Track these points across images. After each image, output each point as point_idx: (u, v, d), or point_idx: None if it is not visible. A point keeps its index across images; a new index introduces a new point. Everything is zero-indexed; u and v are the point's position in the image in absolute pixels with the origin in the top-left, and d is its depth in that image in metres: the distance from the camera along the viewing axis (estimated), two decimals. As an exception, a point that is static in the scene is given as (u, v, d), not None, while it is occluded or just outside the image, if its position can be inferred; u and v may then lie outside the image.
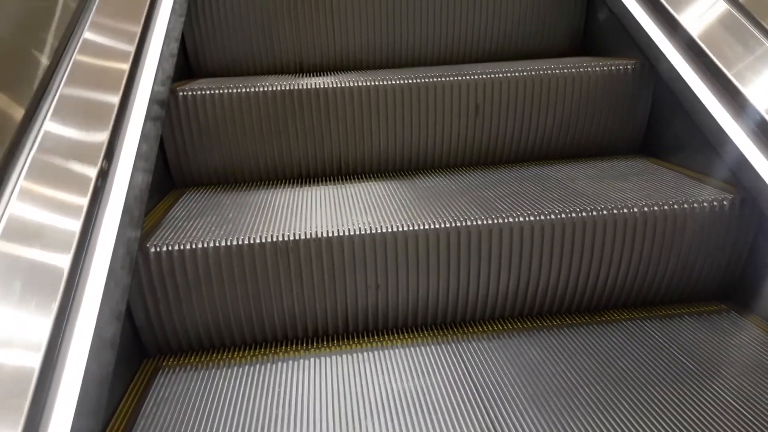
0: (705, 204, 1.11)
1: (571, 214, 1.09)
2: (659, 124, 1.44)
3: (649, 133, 1.48)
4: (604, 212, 1.09)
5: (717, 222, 1.12)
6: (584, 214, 1.09)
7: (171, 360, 1.08)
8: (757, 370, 0.97)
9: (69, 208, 0.86)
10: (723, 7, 1.29)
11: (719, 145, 1.17)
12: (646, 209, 1.10)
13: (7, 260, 0.74)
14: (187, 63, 1.72)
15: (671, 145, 1.40)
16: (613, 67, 1.43)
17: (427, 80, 1.39)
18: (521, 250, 1.10)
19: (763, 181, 1.07)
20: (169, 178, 1.42)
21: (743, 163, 1.11)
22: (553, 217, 1.09)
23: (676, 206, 1.11)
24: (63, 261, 0.79)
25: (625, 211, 1.10)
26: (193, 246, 1.02)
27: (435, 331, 1.13)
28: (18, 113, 0.89)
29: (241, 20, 1.68)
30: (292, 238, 1.04)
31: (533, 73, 1.41)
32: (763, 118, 1.10)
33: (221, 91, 1.35)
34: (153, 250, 1.02)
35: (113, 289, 0.86)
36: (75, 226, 0.84)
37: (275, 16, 1.69)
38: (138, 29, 1.26)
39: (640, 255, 1.12)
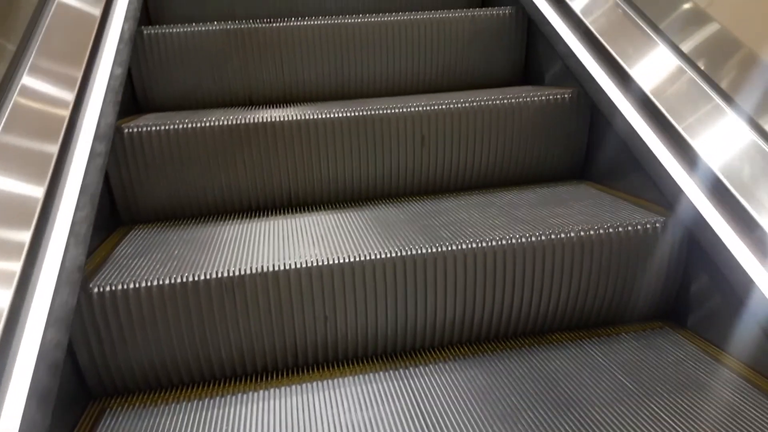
0: (638, 227, 1.16)
1: (511, 241, 1.13)
2: (597, 149, 1.50)
3: (588, 159, 1.54)
4: (543, 238, 1.13)
5: (651, 243, 1.17)
6: (524, 240, 1.13)
7: (117, 401, 1.06)
8: (692, 387, 1.01)
9: (9, 246, 0.85)
10: (651, 40, 1.36)
11: (651, 168, 1.23)
12: (582, 234, 1.14)
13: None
14: (134, 97, 1.71)
15: (609, 169, 1.46)
16: (550, 96, 1.49)
17: (373, 113, 1.42)
18: (465, 276, 1.13)
19: (691, 203, 1.13)
20: (115, 214, 1.40)
21: (673, 185, 1.16)
22: (494, 243, 1.12)
23: (611, 230, 1.15)
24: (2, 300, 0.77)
25: (563, 236, 1.14)
26: (137, 285, 1.01)
27: (384, 361, 1.14)
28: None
29: (189, 54, 1.69)
30: (237, 273, 1.04)
31: (475, 104, 1.45)
32: (686, 141, 1.16)
33: (166, 127, 1.35)
34: (96, 290, 1.00)
35: (54, 329, 0.85)
36: (15, 266, 0.83)
37: (223, 50, 1.70)
38: (80, 72, 1.26)
39: (579, 278, 1.16)
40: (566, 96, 1.49)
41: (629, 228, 1.16)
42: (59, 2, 1.33)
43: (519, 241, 1.13)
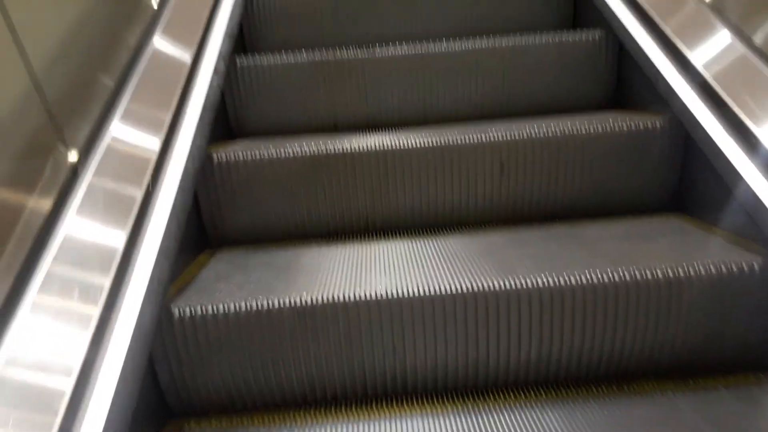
0: (734, 267, 1.07)
1: (592, 278, 1.07)
2: (690, 181, 1.40)
3: (680, 191, 1.44)
4: (627, 276, 1.07)
5: (748, 285, 1.07)
6: (606, 277, 1.07)
7: (194, 422, 1.10)
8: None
9: (100, 260, 0.92)
10: (756, 66, 1.26)
11: (750, 205, 1.13)
12: (671, 273, 1.07)
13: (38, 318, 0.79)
14: (227, 122, 1.80)
15: (702, 203, 1.35)
16: (640, 123, 1.41)
17: (450, 141, 1.41)
18: (541, 315, 1.08)
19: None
20: (204, 236, 1.48)
21: (775, 224, 1.06)
22: (574, 281, 1.07)
23: (703, 269, 1.07)
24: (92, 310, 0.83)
25: (649, 274, 1.07)
26: (215, 309, 1.05)
27: (454, 398, 1.11)
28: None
29: (278, 83, 1.76)
30: (309, 302, 1.06)
31: (558, 131, 1.41)
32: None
33: (253, 155, 1.41)
34: (177, 312, 1.06)
35: (136, 345, 0.90)
36: (104, 281, 0.90)
37: (310, 79, 1.76)
38: (175, 98, 1.35)
39: (667, 321, 1.08)
40: (657, 123, 1.41)
41: (723, 268, 1.07)
42: (155, 50, 1.43)
43: (601, 278, 1.07)
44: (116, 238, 0.99)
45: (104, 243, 0.97)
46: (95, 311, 0.87)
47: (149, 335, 0.97)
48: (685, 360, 1.13)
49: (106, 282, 0.91)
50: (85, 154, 1.06)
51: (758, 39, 1.32)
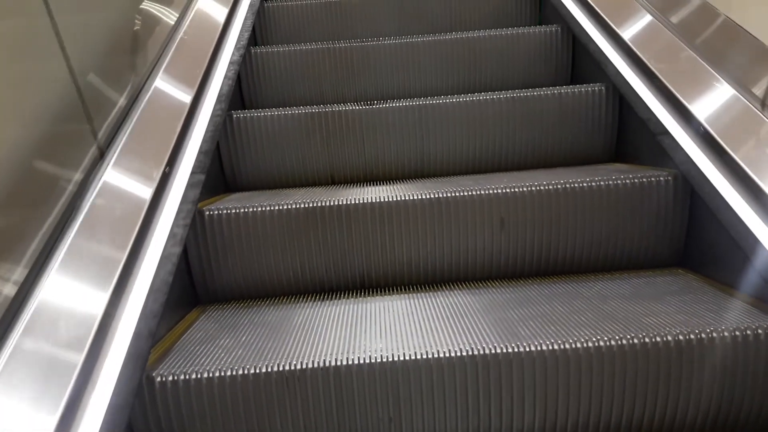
0: (748, 332, 1.01)
1: (599, 343, 1.01)
2: (697, 237, 1.36)
3: (687, 246, 1.40)
4: (636, 341, 1.01)
5: (765, 352, 1.01)
6: (614, 342, 1.01)
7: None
8: None
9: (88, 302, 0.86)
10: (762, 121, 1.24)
11: (762, 264, 1.08)
12: (681, 338, 1.01)
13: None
14: (222, 174, 1.78)
15: (711, 259, 1.31)
16: (644, 179, 1.38)
17: (449, 195, 1.37)
18: (546, 381, 1.02)
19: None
20: (194, 293, 1.42)
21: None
22: (579, 345, 1.01)
23: (715, 335, 1.01)
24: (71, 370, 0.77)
25: (659, 340, 1.01)
26: (198, 376, 0.99)
27: (454, 470, 1.04)
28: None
29: (274, 136, 1.75)
30: (299, 367, 1.00)
31: (559, 186, 1.37)
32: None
33: (244, 210, 1.37)
34: (160, 378, 1.00)
35: (115, 415, 0.84)
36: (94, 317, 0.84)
37: (307, 132, 1.75)
38: (168, 151, 1.32)
39: (678, 389, 1.02)
40: (661, 179, 1.37)
41: (737, 334, 1.01)
42: (156, 87, 1.42)
43: (608, 343, 1.01)
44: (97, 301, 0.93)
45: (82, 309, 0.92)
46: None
47: (125, 405, 0.90)
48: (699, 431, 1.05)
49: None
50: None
51: (759, 90, 1.31)
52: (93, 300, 0.92)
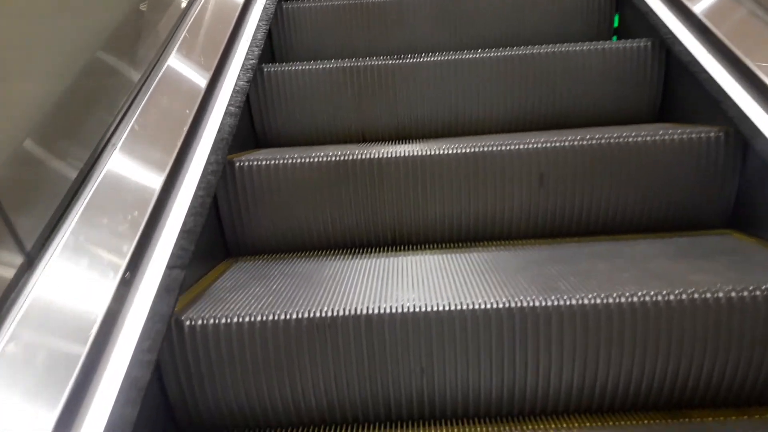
0: (806, 291, 0.95)
1: (643, 299, 0.96)
2: (750, 196, 1.28)
3: (738, 206, 1.32)
4: (683, 297, 0.95)
5: (823, 312, 0.95)
6: (659, 298, 0.96)
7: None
8: None
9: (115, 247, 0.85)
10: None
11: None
12: (733, 294, 0.95)
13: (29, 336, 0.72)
14: (253, 131, 1.75)
15: (763, 220, 1.23)
16: (693, 135, 1.30)
17: (485, 149, 1.32)
18: (586, 337, 0.98)
19: None
20: (224, 245, 1.41)
21: None
22: (622, 300, 0.96)
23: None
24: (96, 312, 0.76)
25: (708, 296, 0.95)
26: (228, 320, 0.98)
27: (486, 425, 1.01)
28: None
29: (306, 91, 1.71)
30: (330, 314, 0.97)
31: (603, 141, 1.31)
32: None
33: (275, 162, 1.34)
34: (188, 323, 0.98)
35: (138, 364, 0.83)
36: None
37: (339, 87, 1.70)
38: (198, 100, 1.30)
39: (728, 347, 0.96)
40: (712, 135, 1.30)
41: (796, 291, 0.95)
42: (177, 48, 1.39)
43: (653, 299, 0.96)
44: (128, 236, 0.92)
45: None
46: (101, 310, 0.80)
47: (156, 346, 0.89)
48: (746, 391, 1.00)
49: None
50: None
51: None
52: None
